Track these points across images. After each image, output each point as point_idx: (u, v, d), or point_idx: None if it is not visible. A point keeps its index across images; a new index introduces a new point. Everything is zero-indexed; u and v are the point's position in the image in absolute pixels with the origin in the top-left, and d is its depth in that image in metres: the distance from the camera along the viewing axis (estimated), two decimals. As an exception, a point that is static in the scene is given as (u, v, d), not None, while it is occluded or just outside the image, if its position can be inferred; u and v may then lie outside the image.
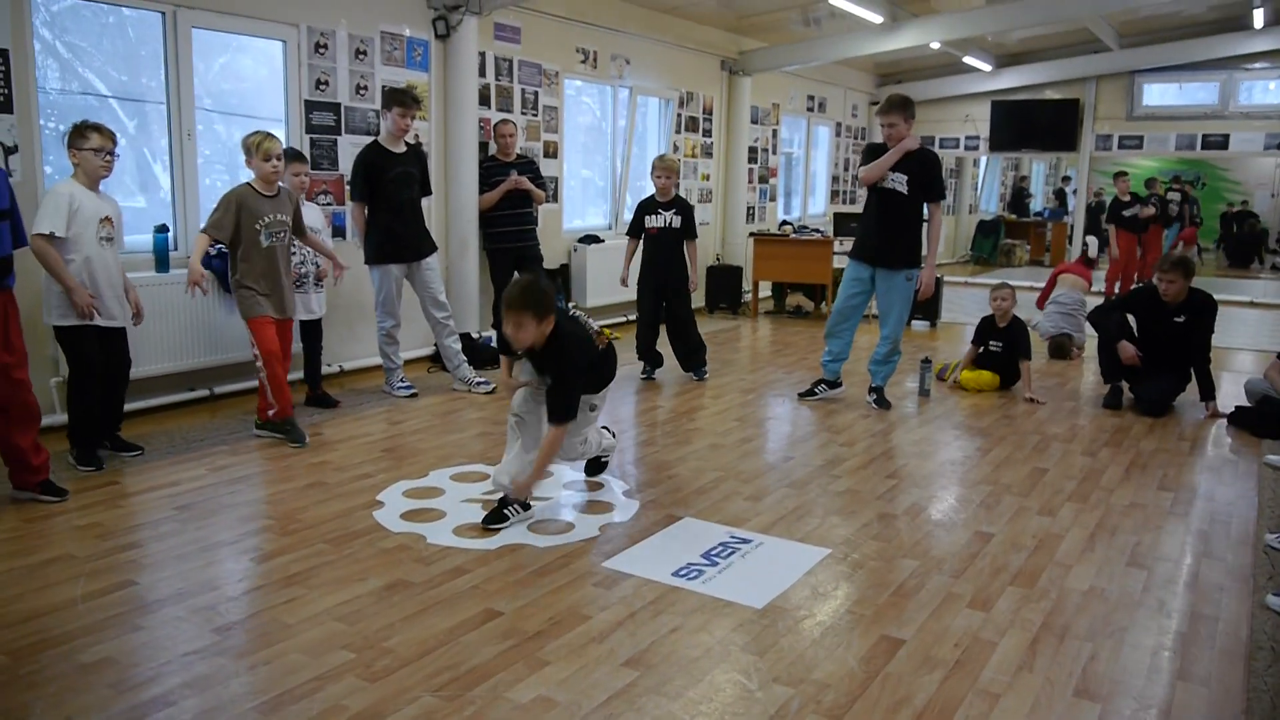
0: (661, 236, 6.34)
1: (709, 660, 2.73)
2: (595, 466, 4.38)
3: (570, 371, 3.75)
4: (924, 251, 5.67)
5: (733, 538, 3.67)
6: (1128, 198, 10.59)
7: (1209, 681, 2.70)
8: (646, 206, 6.40)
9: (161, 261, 5.25)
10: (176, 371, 5.36)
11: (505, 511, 3.76)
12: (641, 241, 6.44)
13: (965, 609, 3.11)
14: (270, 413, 4.81)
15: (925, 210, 5.64)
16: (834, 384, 6.04)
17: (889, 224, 5.59)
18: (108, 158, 4.19)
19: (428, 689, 2.54)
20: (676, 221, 6.29)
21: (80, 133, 4.13)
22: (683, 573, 3.32)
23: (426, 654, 2.72)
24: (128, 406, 4.96)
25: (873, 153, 5.68)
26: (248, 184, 4.74)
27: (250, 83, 6.09)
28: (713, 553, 3.52)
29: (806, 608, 3.09)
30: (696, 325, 6.59)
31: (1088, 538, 3.78)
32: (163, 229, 5.27)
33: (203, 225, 4.87)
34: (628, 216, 9.32)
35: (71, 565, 3.29)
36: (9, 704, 2.42)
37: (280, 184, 4.82)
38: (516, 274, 7.21)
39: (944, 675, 2.68)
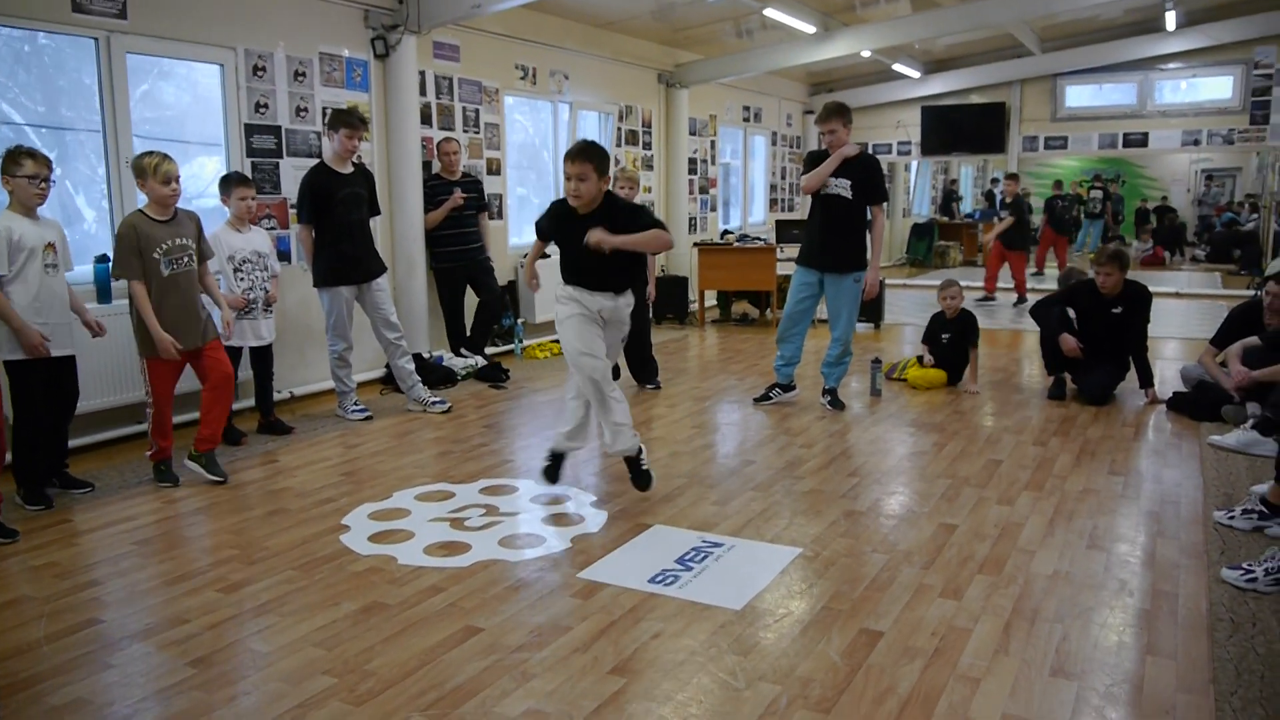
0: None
1: (694, 663, 2.75)
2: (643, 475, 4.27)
3: (632, 207, 4.23)
4: (869, 254, 5.79)
5: (704, 542, 3.70)
6: (1011, 199, 10.86)
7: (1175, 654, 2.80)
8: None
9: (103, 292, 5.12)
10: (122, 405, 5.22)
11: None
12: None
13: (938, 599, 3.17)
14: (148, 454, 4.62)
15: (868, 213, 5.76)
16: (788, 388, 6.12)
17: (834, 229, 5.69)
18: (42, 184, 4.07)
19: (415, 709, 2.51)
20: None
21: (13, 159, 4.01)
22: (659, 579, 3.34)
23: (410, 674, 2.70)
24: (75, 442, 4.84)
25: (813, 160, 5.79)
26: (138, 211, 4.42)
27: (174, 110, 5.96)
28: (686, 558, 3.54)
29: (784, 606, 3.12)
30: (650, 336, 6.60)
31: (1047, 524, 3.88)
32: (103, 259, 5.14)
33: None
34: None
35: (31, 606, 3.19)
36: (-21, 751, 2.34)
37: (177, 207, 4.50)
38: (471, 289, 7.20)
39: (924, 664, 2.73)
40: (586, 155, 3.91)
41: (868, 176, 5.66)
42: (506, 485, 4.48)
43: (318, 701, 2.55)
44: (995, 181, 20.22)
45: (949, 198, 19.51)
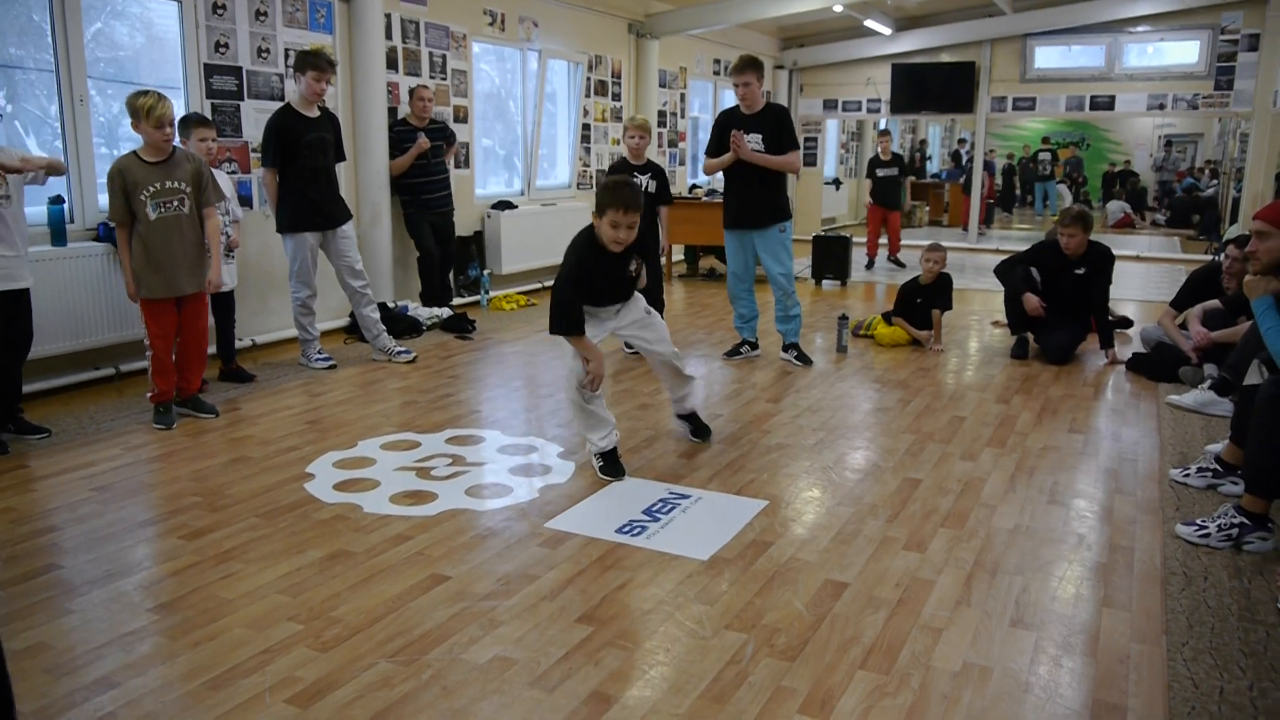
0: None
1: (661, 612, 2.77)
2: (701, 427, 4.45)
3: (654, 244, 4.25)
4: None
5: (671, 494, 3.71)
6: (888, 157, 10.86)
7: (1130, 606, 2.86)
8: (619, 169, 6.17)
9: (58, 235, 4.99)
10: (79, 350, 5.11)
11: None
12: None
13: (902, 551, 3.22)
14: (148, 395, 4.59)
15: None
16: (754, 345, 6.14)
17: (752, 187, 5.72)
18: None
19: (382, 655, 2.51)
20: (651, 185, 6.03)
21: None
22: (626, 529, 3.35)
23: (376, 621, 2.69)
24: (30, 387, 4.74)
25: (721, 124, 5.77)
26: (131, 153, 4.40)
27: (128, 50, 5.77)
28: (654, 509, 3.55)
29: (750, 557, 3.15)
30: (663, 293, 6.37)
31: (1008, 479, 3.94)
32: (58, 200, 5.00)
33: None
34: (541, 182, 9.27)
35: (-13, 552, 3.13)
36: (-63, 695, 2.30)
37: (176, 146, 4.50)
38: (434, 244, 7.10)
39: (888, 614, 2.77)
40: (637, 203, 3.69)
41: (779, 127, 5.65)
42: (473, 435, 4.46)
43: (283, 647, 2.54)
44: (963, 142, 20.34)
45: (915, 157, 19.57)
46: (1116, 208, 17.91)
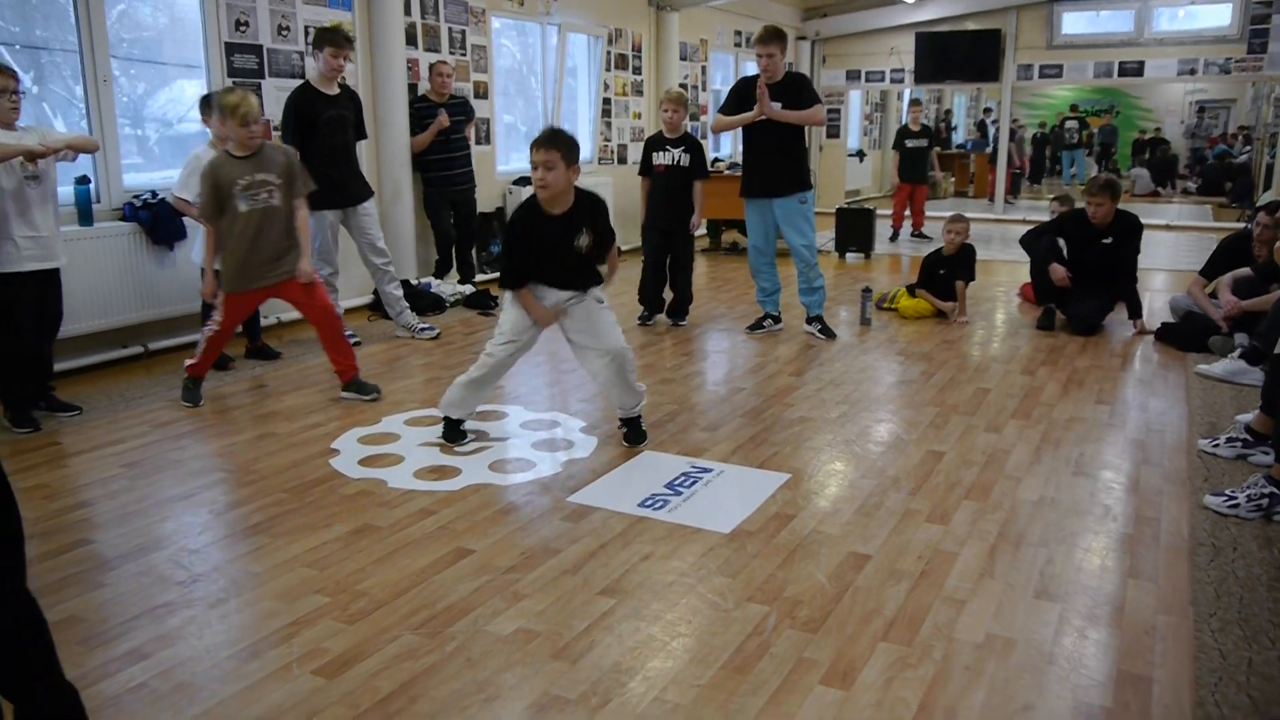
0: (669, 175, 6.05)
1: (683, 585, 2.78)
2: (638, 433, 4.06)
3: (606, 215, 3.85)
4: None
5: (694, 467, 3.72)
6: (918, 128, 10.74)
7: (1156, 577, 2.84)
8: (654, 143, 6.16)
9: (84, 214, 5.03)
10: (108, 329, 5.18)
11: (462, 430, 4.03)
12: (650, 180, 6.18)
13: (924, 523, 3.21)
14: (187, 362, 4.61)
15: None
16: (777, 319, 6.12)
17: (771, 155, 5.65)
18: (13, 97, 3.99)
19: (407, 627, 2.54)
20: (685, 159, 6.01)
21: None
22: (648, 503, 3.36)
23: (401, 594, 2.72)
24: (61, 366, 4.81)
25: (738, 92, 5.69)
26: (224, 150, 4.41)
27: (151, 31, 5.80)
28: (675, 482, 3.56)
29: (772, 530, 3.15)
30: (692, 271, 6.37)
31: (1033, 451, 3.91)
32: (84, 180, 5.04)
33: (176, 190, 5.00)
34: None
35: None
36: (-26, 667, 2.35)
37: (266, 142, 4.42)
38: (453, 222, 7.12)
39: (910, 586, 2.77)
40: (553, 142, 3.58)
41: (798, 93, 5.55)
42: (496, 411, 4.47)
43: (310, 620, 2.58)
44: (988, 111, 20.07)
45: (940, 128, 19.34)
46: (1143, 176, 17.63)
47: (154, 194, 5.32)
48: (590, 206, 3.79)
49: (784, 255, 6.10)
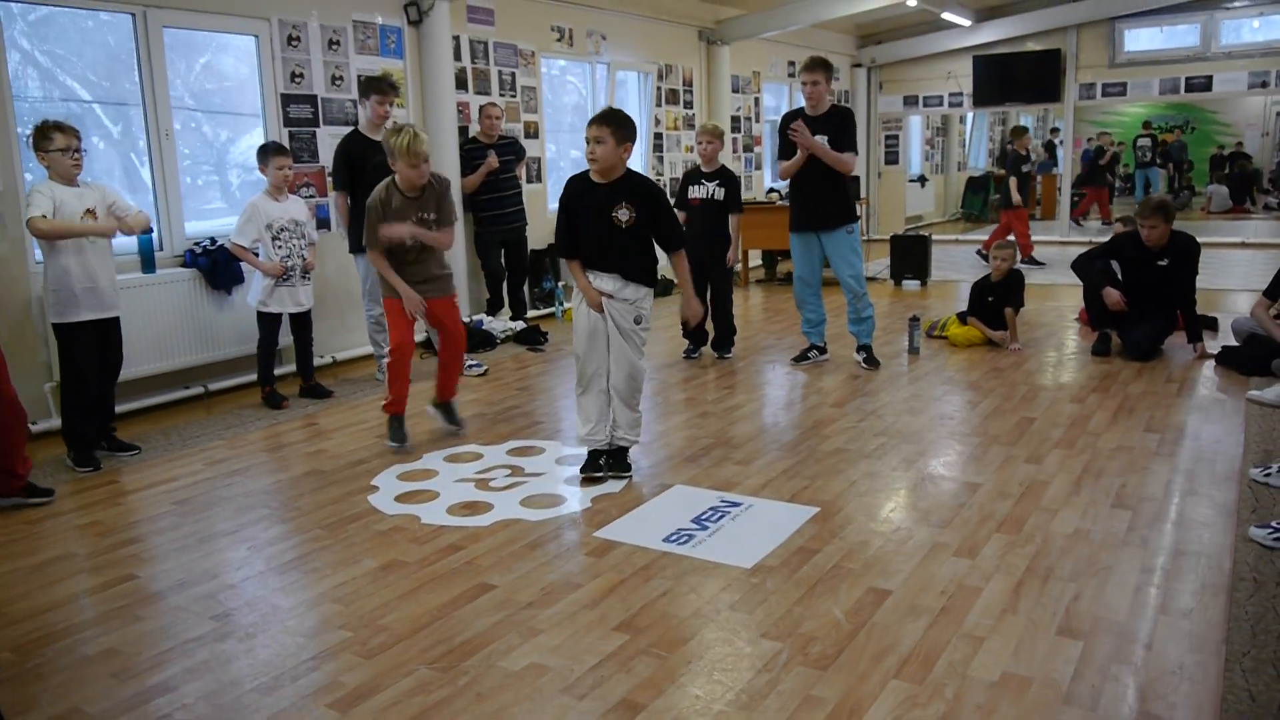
0: (703, 208, 6.09)
1: (698, 620, 2.78)
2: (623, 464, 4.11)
3: (664, 200, 3.98)
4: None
5: (723, 501, 3.72)
6: (1032, 153, 10.58)
7: (1191, 614, 2.75)
8: (691, 176, 6.23)
9: (148, 262, 5.28)
10: (170, 370, 5.41)
11: (601, 464, 4.06)
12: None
13: (951, 557, 3.16)
14: (383, 404, 4.69)
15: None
16: (823, 350, 6.09)
17: (817, 188, 5.66)
18: (76, 155, 4.20)
19: (423, 662, 2.59)
20: (719, 193, 6.05)
21: (44, 134, 4.14)
22: (673, 538, 3.38)
23: (421, 629, 2.78)
24: (124, 407, 5.03)
25: (789, 122, 5.69)
26: (392, 181, 4.39)
27: (233, 81, 6.10)
28: (703, 517, 3.57)
29: (794, 565, 3.14)
30: (730, 305, 6.36)
31: (1073, 482, 3.82)
32: (147, 230, 5.28)
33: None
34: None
35: (74, 562, 3.35)
36: (16, 696, 2.48)
37: (432, 173, 4.47)
38: (504, 261, 7.27)
39: (929, 622, 2.73)
40: (605, 119, 3.81)
41: (841, 128, 5.58)
42: (534, 446, 4.54)
43: (331, 654, 2.65)
44: (1055, 131, 19.67)
45: (1005, 150, 19.05)
46: (1220, 193, 17.05)
47: (213, 240, 5.56)
48: (636, 184, 3.90)
49: (830, 285, 6.08)
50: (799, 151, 5.61)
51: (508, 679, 2.50)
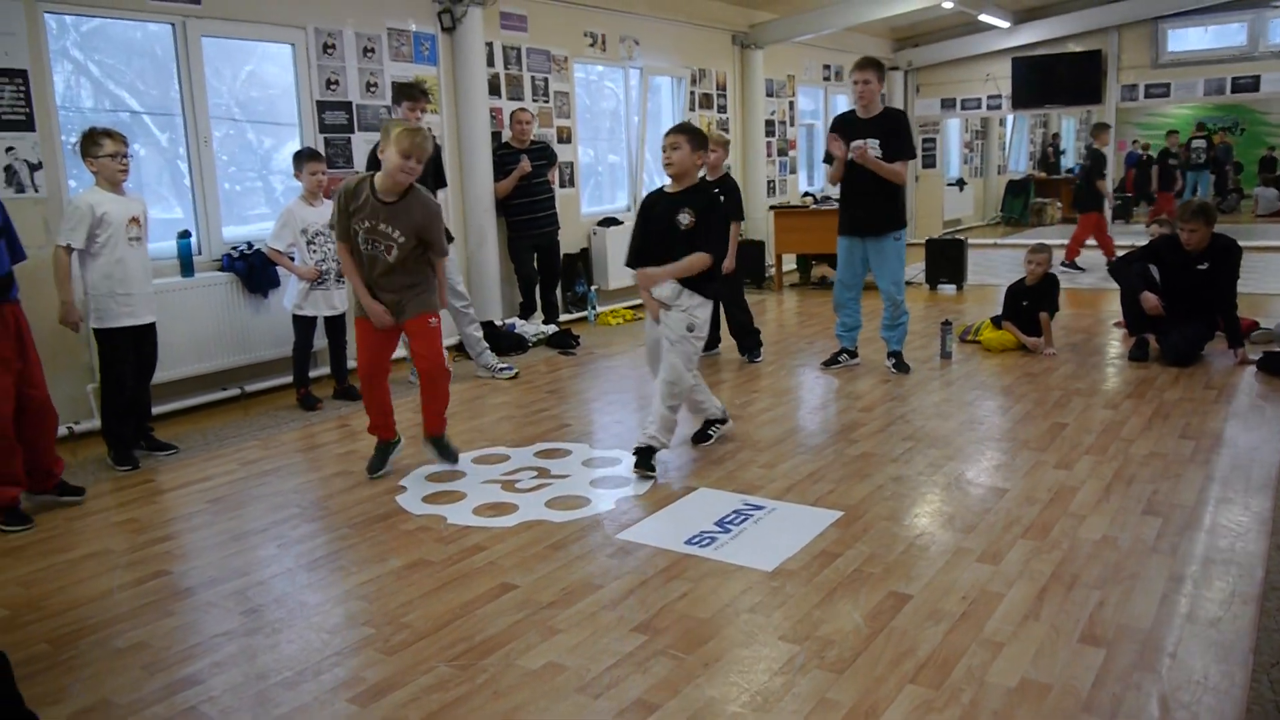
0: None
1: (716, 622, 2.79)
2: (701, 436, 4.53)
3: (719, 207, 4.24)
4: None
5: (746, 505, 3.73)
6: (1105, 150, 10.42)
7: (1219, 623, 2.71)
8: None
9: (186, 266, 5.40)
10: (207, 372, 5.51)
11: (651, 462, 4.16)
12: None
13: (974, 563, 3.13)
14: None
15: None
16: (854, 354, 6.05)
17: (867, 192, 5.61)
18: (124, 160, 4.32)
19: (442, 659, 2.63)
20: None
21: (93, 140, 4.26)
22: (695, 540, 3.38)
23: (442, 627, 2.82)
24: (163, 408, 5.15)
25: (838, 126, 5.69)
26: (370, 178, 3.96)
27: (277, 88, 6.20)
28: (726, 520, 3.57)
29: (815, 568, 3.13)
30: (743, 308, 6.35)
31: (1103, 489, 3.77)
32: (185, 234, 5.41)
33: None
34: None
35: (109, 559, 3.43)
36: (49, 687, 2.55)
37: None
38: (536, 265, 7.32)
39: (949, 627, 2.72)
40: (681, 129, 4.20)
41: (895, 133, 5.54)
42: (561, 449, 4.57)
43: (353, 650, 2.70)
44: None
45: (1047, 153, 18.80)
46: (1268, 195, 16.67)
47: (250, 245, 5.67)
48: (701, 190, 4.20)
49: (872, 289, 6.01)
50: (835, 161, 5.61)
51: (525, 677, 2.52)
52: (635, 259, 4.28)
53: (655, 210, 4.22)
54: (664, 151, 4.15)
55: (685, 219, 4.10)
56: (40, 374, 3.94)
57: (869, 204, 5.64)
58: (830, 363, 6.06)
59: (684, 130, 4.19)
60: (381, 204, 3.89)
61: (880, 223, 5.65)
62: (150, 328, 4.58)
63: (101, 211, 4.27)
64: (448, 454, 4.31)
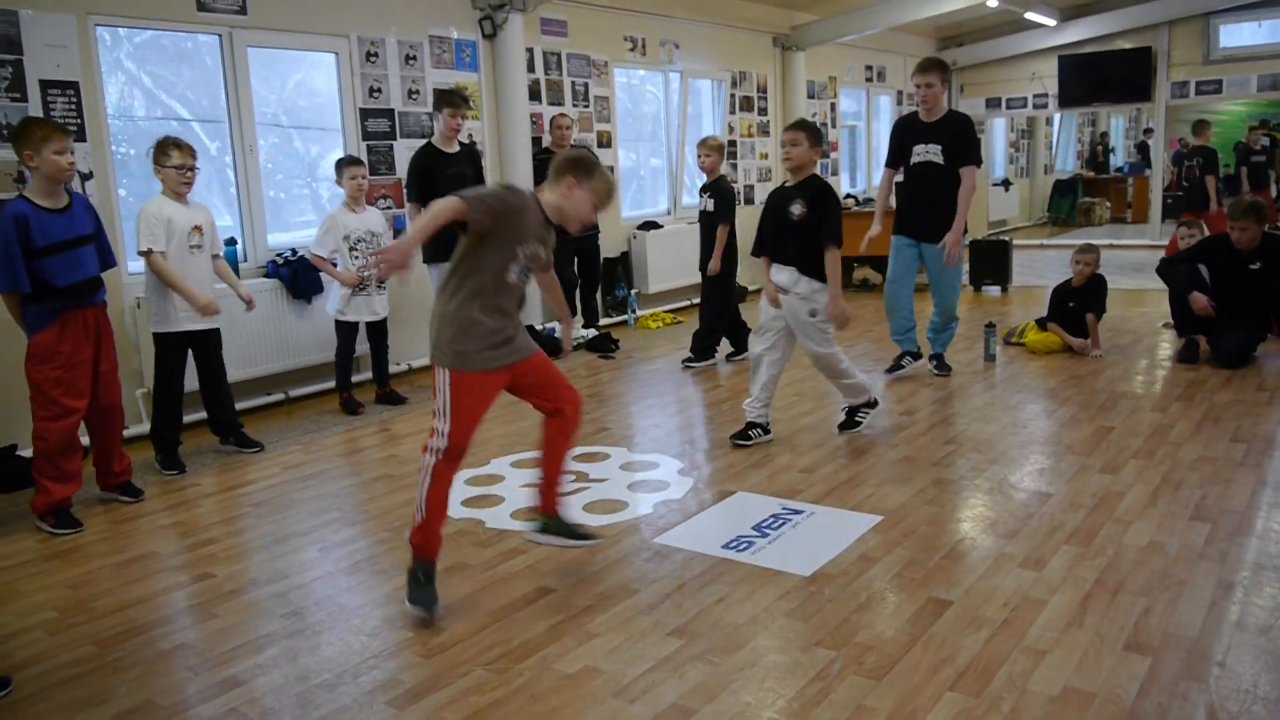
0: (702, 219, 6.31)
1: (753, 627, 2.78)
2: (850, 423, 4.74)
3: (834, 198, 4.45)
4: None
5: (784, 509, 3.70)
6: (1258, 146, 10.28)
7: (1269, 631, 2.64)
8: (702, 190, 6.40)
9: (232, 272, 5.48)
10: (253, 377, 5.60)
11: (750, 434, 4.53)
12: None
13: (1016, 569, 3.09)
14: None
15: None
16: (916, 355, 5.84)
17: (927, 196, 5.51)
18: (188, 173, 4.47)
19: (480, 663, 2.64)
20: (711, 205, 6.21)
21: (163, 150, 4.43)
22: (732, 545, 3.37)
23: (480, 631, 2.83)
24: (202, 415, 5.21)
25: (901, 129, 5.65)
26: (535, 198, 3.12)
27: (324, 96, 6.29)
28: (764, 524, 3.55)
29: (854, 573, 3.10)
30: (715, 310, 6.34)
31: (1150, 493, 3.69)
32: (231, 241, 5.51)
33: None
34: (687, 200, 9.40)
35: (155, 561, 3.51)
36: (96, 687, 2.61)
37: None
38: (577, 269, 7.36)
39: (990, 634, 2.67)
40: (799, 126, 4.47)
41: (959, 137, 5.42)
42: (599, 452, 4.58)
43: (393, 653, 2.72)
44: (1149, 132, 18.97)
45: (1095, 152, 18.47)
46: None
47: (294, 251, 5.75)
48: (813, 182, 4.42)
49: (922, 289, 5.90)
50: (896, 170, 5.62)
51: (561, 681, 2.53)
52: (757, 248, 4.61)
53: (775, 202, 4.50)
54: (783, 146, 4.42)
55: (797, 209, 4.34)
56: (116, 376, 4.11)
57: (930, 208, 5.50)
58: (893, 369, 5.82)
59: (802, 126, 4.42)
60: (549, 227, 3.15)
61: (938, 228, 5.47)
62: (214, 333, 4.71)
63: (168, 218, 4.43)
64: (579, 531, 3.27)
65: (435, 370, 2.96)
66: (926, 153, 5.41)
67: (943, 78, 5.41)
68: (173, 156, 4.40)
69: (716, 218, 6.18)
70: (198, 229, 4.53)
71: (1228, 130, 18.98)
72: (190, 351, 4.63)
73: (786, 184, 4.52)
